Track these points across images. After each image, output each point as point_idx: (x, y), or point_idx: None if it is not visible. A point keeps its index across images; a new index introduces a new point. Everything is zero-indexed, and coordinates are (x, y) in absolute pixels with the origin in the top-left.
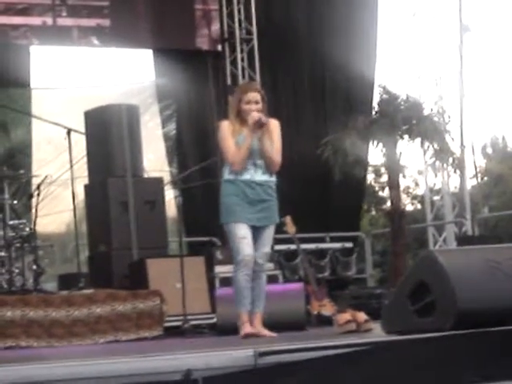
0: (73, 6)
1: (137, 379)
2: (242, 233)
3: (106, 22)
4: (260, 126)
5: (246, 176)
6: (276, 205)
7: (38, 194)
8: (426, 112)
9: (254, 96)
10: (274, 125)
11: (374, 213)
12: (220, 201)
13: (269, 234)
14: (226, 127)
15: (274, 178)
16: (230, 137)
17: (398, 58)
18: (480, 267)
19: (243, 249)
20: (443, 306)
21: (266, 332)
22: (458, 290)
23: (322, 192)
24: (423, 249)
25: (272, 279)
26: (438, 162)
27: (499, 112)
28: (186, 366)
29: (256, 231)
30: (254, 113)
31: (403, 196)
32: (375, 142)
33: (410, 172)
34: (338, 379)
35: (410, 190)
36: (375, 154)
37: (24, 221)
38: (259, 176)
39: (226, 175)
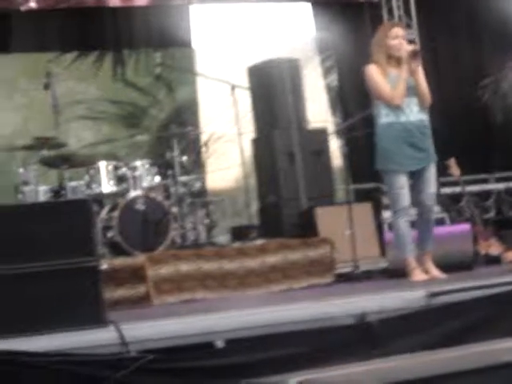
0: None
1: (312, 324)
2: (400, 182)
3: None
4: (415, 56)
5: (402, 117)
6: (432, 143)
7: (207, 150)
8: None
9: (401, 31)
10: None
11: None
12: (376, 146)
13: (431, 173)
14: (374, 69)
15: (427, 116)
16: (381, 77)
17: None
18: None
19: (402, 199)
20: None
21: (437, 272)
22: None
23: (484, 133)
24: None
25: (439, 222)
26: None
27: None
28: (359, 310)
29: (418, 173)
30: (406, 45)
31: None
32: None
33: None
34: (507, 318)
35: None
36: None
37: (194, 176)
38: (414, 115)
39: (383, 118)
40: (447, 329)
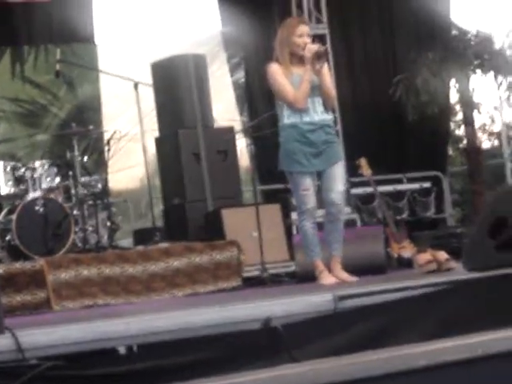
0: None
1: (216, 329)
2: (305, 183)
3: None
4: (319, 57)
5: (306, 118)
6: (337, 142)
7: (109, 150)
8: (497, 46)
9: (306, 29)
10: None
11: (450, 152)
12: (280, 146)
13: (338, 172)
14: (276, 68)
15: (331, 116)
16: (283, 76)
17: None
18: None
19: (307, 201)
20: None
21: (346, 276)
22: None
23: (397, 132)
24: (502, 185)
25: (350, 223)
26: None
27: None
28: (265, 314)
29: (324, 173)
30: (311, 44)
31: (479, 133)
32: (447, 79)
33: (486, 108)
34: (419, 319)
35: (486, 127)
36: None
37: (96, 177)
38: (318, 115)
39: (285, 119)
40: (355, 333)
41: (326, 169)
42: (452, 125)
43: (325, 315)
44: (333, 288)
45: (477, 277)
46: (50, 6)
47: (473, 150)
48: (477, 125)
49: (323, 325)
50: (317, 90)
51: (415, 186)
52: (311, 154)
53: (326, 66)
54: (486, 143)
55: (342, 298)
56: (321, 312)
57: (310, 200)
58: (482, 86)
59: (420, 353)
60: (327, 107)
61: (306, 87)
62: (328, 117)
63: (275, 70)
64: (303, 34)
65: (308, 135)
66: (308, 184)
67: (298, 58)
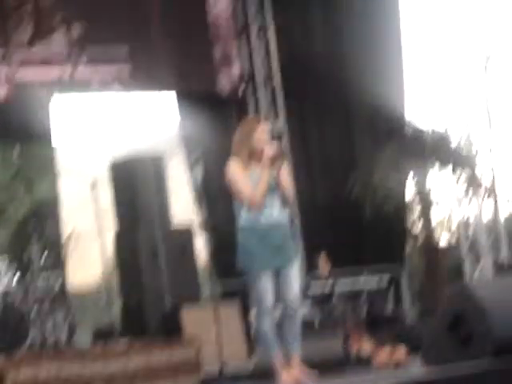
0: (91, 56)
1: None
2: (262, 282)
3: (126, 67)
4: (277, 158)
5: (263, 217)
6: (293, 242)
7: (67, 248)
8: (453, 142)
9: (265, 128)
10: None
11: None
12: (238, 245)
13: (294, 270)
14: (235, 167)
15: (288, 215)
16: (242, 176)
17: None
18: None
19: (265, 299)
20: (480, 337)
21: (305, 373)
22: (494, 320)
23: (355, 229)
24: (460, 281)
25: (308, 321)
26: (470, 191)
27: None
28: None
29: (281, 272)
30: (271, 145)
31: (437, 229)
32: (405, 175)
33: (444, 204)
34: None
35: (444, 222)
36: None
37: (54, 275)
38: (275, 214)
39: (244, 218)
40: None
41: (282, 268)
42: (410, 221)
43: None
44: None
45: (436, 375)
46: (8, 103)
47: (430, 247)
48: (435, 221)
49: None
50: (275, 189)
51: (373, 282)
52: (268, 253)
53: (284, 165)
54: (443, 238)
55: None
56: None
57: (268, 298)
58: (441, 181)
59: None
60: (285, 206)
61: (264, 188)
62: (285, 216)
63: (234, 170)
64: (262, 133)
65: (265, 235)
66: (265, 282)
67: (257, 156)
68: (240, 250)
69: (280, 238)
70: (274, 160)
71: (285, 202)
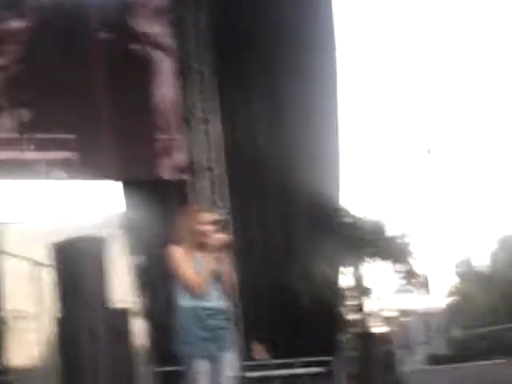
0: (40, 140)
1: None
2: (198, 367)
3: (73, 155)
4: (224, 246)
5: (202, 303)
6: (231, 329)
7: (6, 329)
8: (389, 233)
9: (209, 217)
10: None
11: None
12: (176, 327)
13: (229, 357)
14: (178, 252)
15: (227, 302)
16: (185, 261)
17: (360, 178)
18: None
19: (200, 383)
20: None
21: None
22: None
23: (292, 316)
24: (393, 370)
25: None
26: (406, 283)
27: (465, 232)
28: None
29: (215, 358)
30: (219, 234)
31: (372, 318)
32: (341, 266)
33: (378, 293)
34: None
35: (380, 312)
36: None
37: None
38: (215, 301)
39: (183, 301)
40: None
41: (218, 354)
42: (346, 309)
43: None
44: None
45: None
46: None
47: (363, 336)
48: (371, 310)
49: None
50: (217, 276)
51: (308, 369)
52: (205, 338)
53: (227, 255)
54: (378, 328)
55: None
56: None
57: (202, 383)
58: (377, 271)
59: None
60: (226, 293)
61: (207, 274)
62: (224, 303)
63: (177, 254)
64: (206, 222)
65: (203, 319)
66: (200, 367)
67: (200, 245)
68: (177, 332)
69: (217, 323)
70: (222, 248)
71: (227, 289)
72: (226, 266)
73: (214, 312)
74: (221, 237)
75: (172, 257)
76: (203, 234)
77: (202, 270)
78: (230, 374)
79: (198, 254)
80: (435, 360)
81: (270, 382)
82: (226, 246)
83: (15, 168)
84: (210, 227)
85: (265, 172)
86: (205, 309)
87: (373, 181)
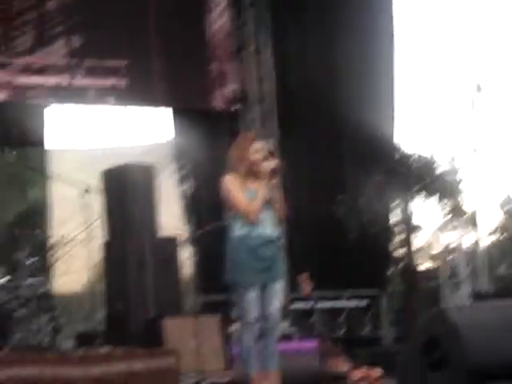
0: (89, 67)
1: None
2: (249, 296)
3: (123, 82)
4: (275, 173)
5: (256, 231)
6: (282, 259)
7: (55, 253)
8: (438, 171)
9: (260, 145)
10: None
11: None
12: (228, 257)
13: (278, 289)
14: (232, 180)
15: (279, 231)
16: (239, 189)
17: (412, 115)
18: (492, 323)
19: (250, 313)
20: (455, 361)
21: None
22: (468, 346)
23: (338, 249)
24: (438, 306)
25: (287, 337)
26: (453, 220)
27: None
28: None
29: (266, 288)
30: (270, 161)
31: (419, 254)
32: (389, 200)
33: (425, 230)
34: None
35: (426, 248)
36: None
37: (41, 279)
38: (268, 230)
39: (237, 230)
40: None
41: (268, 284)
42: (392, 245)
43: None
44: None
45: None
46: (6, 108)
47: (409, 271)
48: (418, 246)
49: None
50: (268, 204)
51: (353, 303)
52: (258, 267)
53: (278, 182)
54: (424, 264)
55: None
56: None
57: (253, 312)
58: (425, 207)
59: None
60: (277, 222)
61: (261, 201)
62: (276, 231)
63: (231, 182)
64: (258, 151)
65: (256, 249)
66: (252, 296)
67: (252, 173)
68: (229, 262)
69: (270, 252)
70: (273, 175)
71: (278, 217)
72: (278, 194)
73: (267, 241)
74: (272, 164)
75: (226, 185)
76: (255, 161)
77: (258, 196)
78: (277, 305)
79: (251, 184)
80: (480, 296)
81: (315, 315)
82: (276, 174)
83: (65, 94)
84: (261, 155)
85: (316, 106)
86: (258, 237)
87: (424, 118)
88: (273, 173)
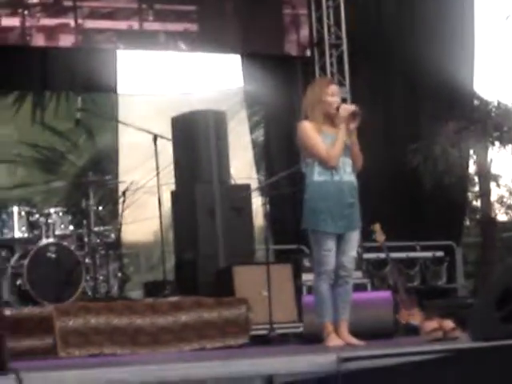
0: (159, 11)
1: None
2: (328, 244)
3: (193, 27)
4: (354, 117)
5: (336, 177)
6: (359, 208)
7: (124, 201)
8: None
9: (337, 89)
10: None
11: (467, 222)
12: (305, 204)
13: (355, 237)
14: (309, 126)
15: (356, 179)
16: (317, 135)
17: (490, 62)
18: None
19: (327, 261)
20: None
21: (353, 340)
22: None
23: (412, 199)
24: None
25: (360, 287)
26: None
27: None
28: (268, 372)
29: (342, 236)
30: (346, 104)
31: (496, 205)
32: (466, 149)
33: (505, 181)
34: None
35: (504, 199)
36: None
37: (109, 227)
38: (347, 176)
39: (315, 176)
40: None
41: (346, 232)
42: (470, 195)
43: (327, 375)
44: (338, 350)
45: (480, 346)
46: (74, 53)
47: (487, 222)
48: (495, 197)
49: None
50: (347, 150)
51: (428, 254)
52: (336, 215)
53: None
54: (502, 216)
55: (346, 359)
56: (324, 372)
57: (330, 261)
58: (503, 158)
59: None
60: (355, 168)
61: (341, 146)
62: (354, 178)
63: (308, 127)
64: (335, 94)
65: (336, 195)
66: (330, 245)
67: (329, 119)
68: (307, 209)
69: (350, 200)
70: (352, 118)
71: (356, 163)
72: (355, 140)
73: (346, 187)
74: (351, 107)
75: (303, 131)
76: (333, 104)
77: (338, 140)
78: (352, 254)
79: (328, 129)
80: None
81: (389, 265)
82: (355, 118)
83: (134, 38)
84: (337, 98)
85: (392, 51)
86: (337, 183)
87: (505, 64)
88: (351, 116)
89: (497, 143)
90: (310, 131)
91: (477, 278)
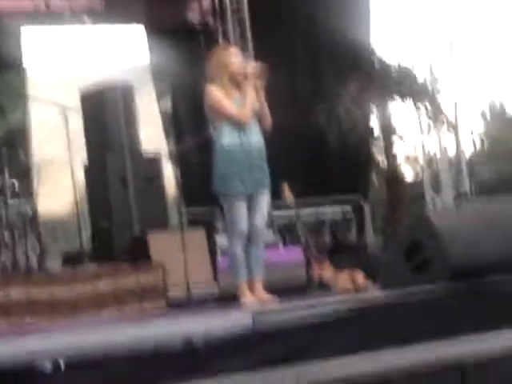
0: None
1: (136, 346)
2: (238, 206)
3: (98, 1)
4: (259, 74)
5: (244, 139)
6: (267, 168)
7: (38, 175)
8: (417, 79)
9: (238, 51)
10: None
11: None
12: (215, 168)
13: (265, 197)
14: (216, 89)
15: (263, 139)
16: (225, 98)
17: (391, 23)
18: (474, 224)
19: (239, 222)
20: (436, 263)
21: (267, 296)
22: (450, 247)
23: (320, 157)
24: (421, 211)
25: (272, 245)
26: (433, 126)
27: (497, 77)
28: (185, 332)
29: (252, 197)
30: (249, 64)
31: (400, 160)
32: (369, 107)
33: (407, 137)
34: (335, 336)
35: (407, 154)
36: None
37: (25, 201)
38: (254, 137)
39: (223, 140)
40: (272, 350)
41: (255, 193)
42: (374, 153)
43: (243, 332)
44: (252, 307)
45: (391, 295)
46: None
47: (393, 178)
48: (399, 153)
49: (241, 341)
50: (255, 111)
51: (336, 209)
52: (245, 177)
53: (262, 87)
54: (407, 170)
55: (260, 314)
56: (239, 328)
57: (242, 222)
58: (405, 115)
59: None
60: (263, 128)
61: (251, 103)
62: (262, 139)
63: (216, 92)
64: (237, 55)
65: (244, 157)
66: (241, 206)
67: (234, 82)
68: (217, 172)
69: (258, 160)
70: (257, 75)
71: (264, 123)
72: (263, 100)
73: (254, 148)
74: (252, 65)
75: (211, 96)
76: (236, 64)
77: (247, 99)
78: (263, 214)
79: (235, 93)
80: (462, 199)
81: (299, 222)
82: (258, 75)
83: (41, 14)
84: (240, 60)
85: (291, 12)
86: (246, 145)
87: (401, 23)
88: (255, 74)
89: (398, 102)
90: (218, 94)
91: (385, 234)
